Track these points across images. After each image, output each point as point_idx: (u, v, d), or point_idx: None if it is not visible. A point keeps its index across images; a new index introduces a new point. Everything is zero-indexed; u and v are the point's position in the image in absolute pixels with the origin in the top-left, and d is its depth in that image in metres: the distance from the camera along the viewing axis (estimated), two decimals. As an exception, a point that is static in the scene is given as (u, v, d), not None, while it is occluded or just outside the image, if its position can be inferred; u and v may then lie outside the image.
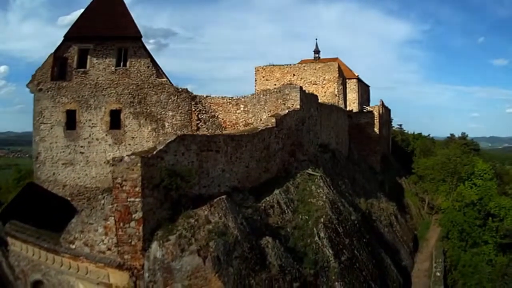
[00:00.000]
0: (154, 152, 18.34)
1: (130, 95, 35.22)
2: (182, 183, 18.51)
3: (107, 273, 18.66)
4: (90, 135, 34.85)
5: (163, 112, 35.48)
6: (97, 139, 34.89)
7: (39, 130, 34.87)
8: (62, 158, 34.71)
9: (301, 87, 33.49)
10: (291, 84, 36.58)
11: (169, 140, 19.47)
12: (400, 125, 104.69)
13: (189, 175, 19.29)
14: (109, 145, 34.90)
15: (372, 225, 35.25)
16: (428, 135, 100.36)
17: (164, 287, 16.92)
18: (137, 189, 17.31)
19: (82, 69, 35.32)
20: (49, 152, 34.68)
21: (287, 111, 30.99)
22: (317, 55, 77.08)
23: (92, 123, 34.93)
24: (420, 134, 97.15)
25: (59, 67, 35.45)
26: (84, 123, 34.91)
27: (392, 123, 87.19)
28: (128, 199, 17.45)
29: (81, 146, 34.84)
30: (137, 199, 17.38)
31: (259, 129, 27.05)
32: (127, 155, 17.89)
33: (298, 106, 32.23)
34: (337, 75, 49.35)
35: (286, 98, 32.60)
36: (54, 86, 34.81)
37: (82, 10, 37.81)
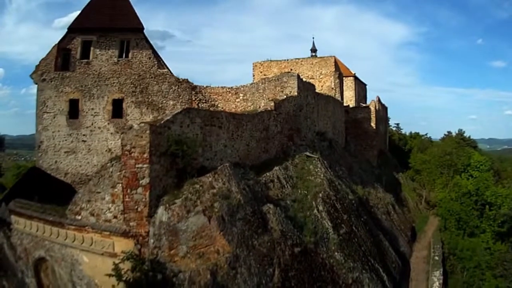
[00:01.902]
0: (162, 122, 19.19)
1: (132, 85, 35.90)
2: (188, 150, 19.25)
3: (112, 242, 19.22)
4: (92, 124, 35.42)
5: (164, 102, 36.17)
6: (99, 128, 35.46)
7: (42, 119, 35.34)
8: (64, 146, 35.18)
9: (298, 75, 34.46)
10: (289, 72, 37.36)
11: (175, 112, 20.34)
12: (397, 124, 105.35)
13: (194, 145, 20.13)
14: (111, 133, 35.46)
15: (370, 211, 35.84)
16: (425, 134, 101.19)
17: (169, 251, 17.56)
18: (145, 155, 18.09)
19: (85, 60, 35.98)
20: (52, 141, 35.15)
21: (285, 96, 31.91)
22: (314, 54, 77.61)
23: (95, 112, 35.54)
24: (417, 133, 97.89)
25: (62, 58, 36.12)
26: (86, 112, 35.50)
27: (389, 122, 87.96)
28: (136, 166, 18.21)
29: (84, 135, 35.38)
30: (145, 165, 18.14)
31: (258, 111, 27.89)
32: (136, 124, 18.72)
33: (296, 93, 33.12)
34: (334, 69, 50.32)
35: (284, 86, 33.51)
36: (57, 76, 35.40)
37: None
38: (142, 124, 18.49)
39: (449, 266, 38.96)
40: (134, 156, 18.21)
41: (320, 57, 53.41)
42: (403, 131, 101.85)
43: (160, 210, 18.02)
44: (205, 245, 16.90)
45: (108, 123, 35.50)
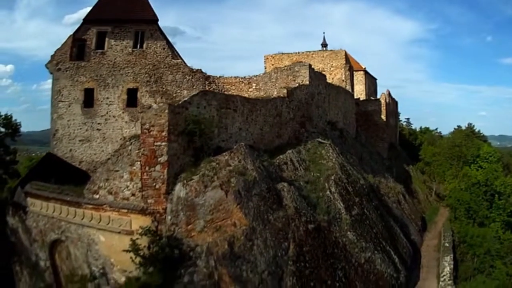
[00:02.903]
0: (180, 102, 19.78)
1: (146, 75, 36.43)
2: (205, 129, 19.80)
3: (129, 219, 19.66)
4: (107, 113, 35.98)
5: (178, 91, 36.63)
6: (114, 117, 36.01)
7: (57, 108, 35.88)
8: (79, 134, 35.70)
9: (310, 65, 34.94)
10: (300, 62, 37.79)
11: (192, 94, 20.96)
12: (408, 118, 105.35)
13: (211, 125, 20.70)
14: (126, 122, 36.01)
15: (380, 198, 36.17)
16: (436, 129, 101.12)
17: (186, 226, 18.08)
18: (163, 133, 18.68)
19: (100, 50, 36.57)
20: (67, 129, 35.68)
21: (297, 85, 32.44)
22: (324, 49, 78.03)
23: (110, 101, 36.09)
24: (427, 128, 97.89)
25: (77, 48, 36.77)
26: (101, 101, 36.07)
27: (400, 117, 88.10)
28: (155, 143, 18.81)
29: (98, 123, 35.92)
30: (163, 143, 18.72)
31: (271, 97, 28.43)
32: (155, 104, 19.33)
33: (308, 82, 33.61)
34: (344, 62, 50.81)
35: (296, 75, 34.03)
36: (72, 66, 36.01)
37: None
38: (161, 104, 19.16)
39: (459, 254, 39.09)
40: (152, 135, 18.79)
41: (331, 50, 54.01)
42: (413, 126, 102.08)
43: (178, 186, 18.57)
44: (222, 219, 17.41)
45: (123, 112, 36.03)
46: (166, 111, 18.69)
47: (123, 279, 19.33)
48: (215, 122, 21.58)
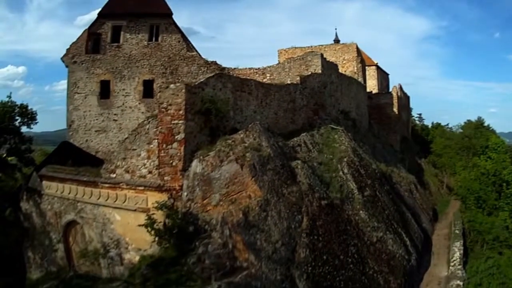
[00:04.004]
0: (196, 83, 20.46)
1: (162, 67, 37.13)
2: (221, 108, 20.43)
3: (145, 197, 20.22)
4: (123, 104, 36.75)
5: (193, 83, 37.30)
6: (130, 107, 36.76)
7: (73, 100, 36.64)
8: (95, 125, 36.46)
9: (322, 54, 35.50)
10: (313, 51, 38.33)
11: (208, 76, 21.65)
12: (420, 114, 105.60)
13: (226, 105, 21.32)
14: (142, 112, 36.68)
15: (393, 186, 36.47)
16: (447, 124, 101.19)
17: (202, 201, 18.61)
18: (180, 112, 19.36)
19: (116, 44, 37.40)
20: (83, 120, 36.42)
21: (310, 73, 33.03)
22: (336, 44, 78.57)
23: (126, 92, 36.87)
24: (439, 123, 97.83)
25: (93, 42, 37.67)
26: (118, 93, 36.85)
27: (412, 113, 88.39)
28: (172, 122, 19.50)
29: (115, 114, 36.65)
30: (180, 121, 19.40)
31: (285, 83, 29.05)
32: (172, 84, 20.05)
33: (320, 71, 34.13)
34: (356, 54, 51.28)
35: (309, 64, 34.59)
36: (88, 59, 36.85)
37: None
38: (178, 84, 19.81)
39: (469, 242, 39.39)
40: (170, 113, 19.48)
41: (343, 44, 54.45)
42: (425, 122, 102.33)
43: (195, 162, 19.20)
44: (237, 191, 17.93)
45: (139, 103, 36.77)
46: (183, 90, 19.38)
47: (137, 258, 19.82)
48: (230, 103, 22.22)
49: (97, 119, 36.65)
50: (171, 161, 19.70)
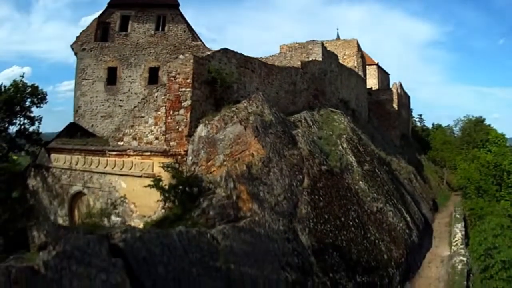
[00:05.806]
0: (203, 55, 21.51)
1: (168, 55, 38.08)
2: (226, 78, 21.47)
3: (151, 162, 21.11)
4: (129, 90, 37.71)
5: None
6: (135, 93, 37.64)
7: (80, 86, 37.62)
8: (101, 111, 37.38)
9: (322, 43, 36.57)
10: (313, 40, 39.37)
11: (214, 50, 22.69)
12: (420, 115, 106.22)
13: (231, 77, 22.37)
14: (147, 99, 37.76)
15: (392, 172, 37.10)
16: (448, 125, 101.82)
17: (206, 163, 19.50)
18: (188, 80, 20.39)
19: (124, 32, 38.57)
20: (89, 106, 37.34)
21: (311, 59, 34.06)
22: (338, 44, 79.59)
23: (132, 79, 37.89)
24: (439, 125, 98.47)
25: (102, 30, 38.84)
26: (124, 79, 37.85)
27: (412, 113, 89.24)
28: (180, 90, 20.53)
29: (120, 100, 37.59)
30: (188, 89, 20.42)
31: (287, 66, 30.07)
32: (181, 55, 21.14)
33: (320, 59, 35.18)
34: (356, 50, 52.36)
35: (310, 52, 35.74)
36: (97, 46, 37.97)
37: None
38: (187, 55, 20.89)
39: (471, 229, 39.92)
40: (178, 82, 20.51)
41: (343, 39, 55.51)
42: (425, 123, 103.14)
43: (200, 127, 20.22)
44: (241, 151, 18.80)
45: (145, 89, 37.74)
46: (191, 61, 20.46)
47: (141, 225, 20.03)
48: (234, 77, 23.24)
49: (103, 105, 37.56)
50: (177, 127, 20.67)
